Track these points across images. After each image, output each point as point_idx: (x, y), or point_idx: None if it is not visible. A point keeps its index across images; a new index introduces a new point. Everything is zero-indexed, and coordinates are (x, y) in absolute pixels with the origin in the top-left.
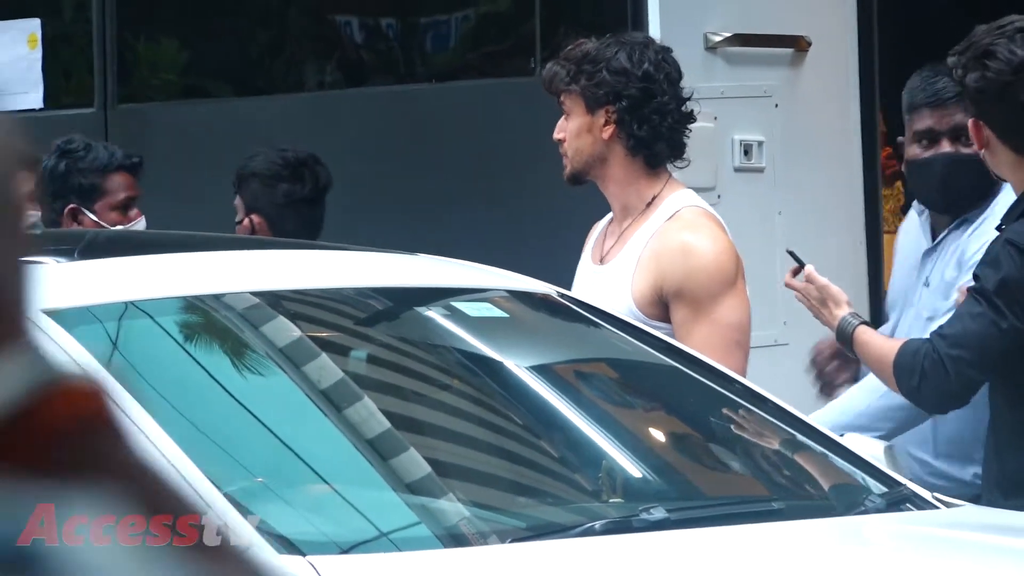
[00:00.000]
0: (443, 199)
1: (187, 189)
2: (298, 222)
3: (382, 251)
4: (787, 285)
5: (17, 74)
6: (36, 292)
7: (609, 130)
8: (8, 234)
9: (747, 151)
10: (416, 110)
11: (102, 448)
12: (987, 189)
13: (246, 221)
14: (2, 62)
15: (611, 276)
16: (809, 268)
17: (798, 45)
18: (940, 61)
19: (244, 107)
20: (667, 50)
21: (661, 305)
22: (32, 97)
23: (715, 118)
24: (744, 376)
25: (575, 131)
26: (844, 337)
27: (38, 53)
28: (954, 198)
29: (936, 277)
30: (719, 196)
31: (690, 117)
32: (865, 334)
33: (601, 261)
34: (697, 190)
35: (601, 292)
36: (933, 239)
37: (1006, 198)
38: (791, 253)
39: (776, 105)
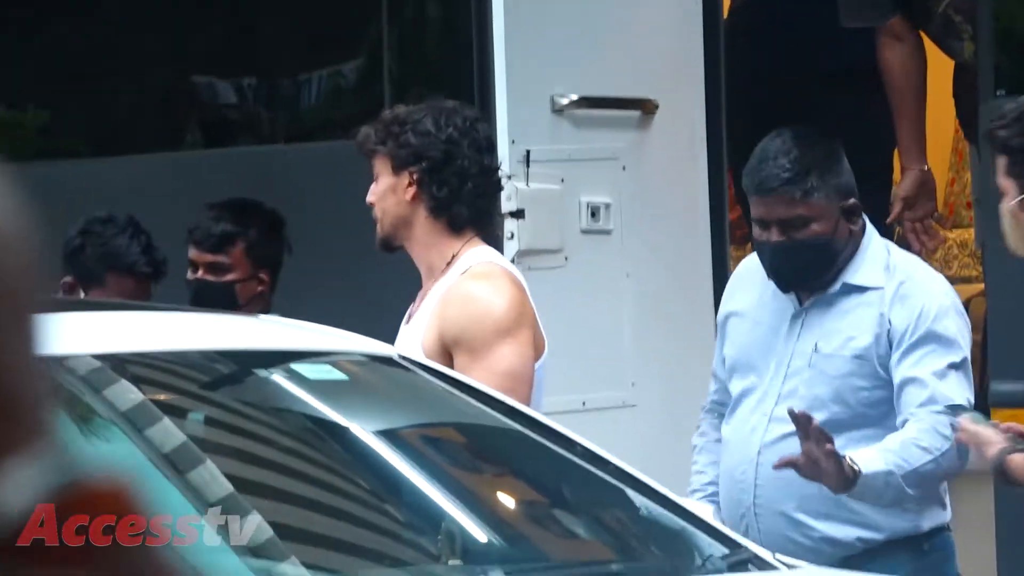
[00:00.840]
0: (296, 258)
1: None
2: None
3: (224, 313)
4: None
5: None
6: (53, 389)
7: (411, 191)
8: (19, 330)
9: (594, 213)
10: (270, 170)
11: (125, 551)
12: (827, 265)
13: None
14: None
15: (412, 334)
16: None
17: (645, 108)
18: (784, 126)
19: (101, 167)
20: (478, 118)
21: (446, 355)
22: None
23: (562, 180)
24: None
25: (381, 192)
26: (1000, 466)
27: None
28: (792, 280)
29: (827, 343)
30: (566, 258)
31: (497, 185)
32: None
33: (408, 320)
34: (543, 252)
35: (406, 350)
36: (800, 303)
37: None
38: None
39: (623, 167)
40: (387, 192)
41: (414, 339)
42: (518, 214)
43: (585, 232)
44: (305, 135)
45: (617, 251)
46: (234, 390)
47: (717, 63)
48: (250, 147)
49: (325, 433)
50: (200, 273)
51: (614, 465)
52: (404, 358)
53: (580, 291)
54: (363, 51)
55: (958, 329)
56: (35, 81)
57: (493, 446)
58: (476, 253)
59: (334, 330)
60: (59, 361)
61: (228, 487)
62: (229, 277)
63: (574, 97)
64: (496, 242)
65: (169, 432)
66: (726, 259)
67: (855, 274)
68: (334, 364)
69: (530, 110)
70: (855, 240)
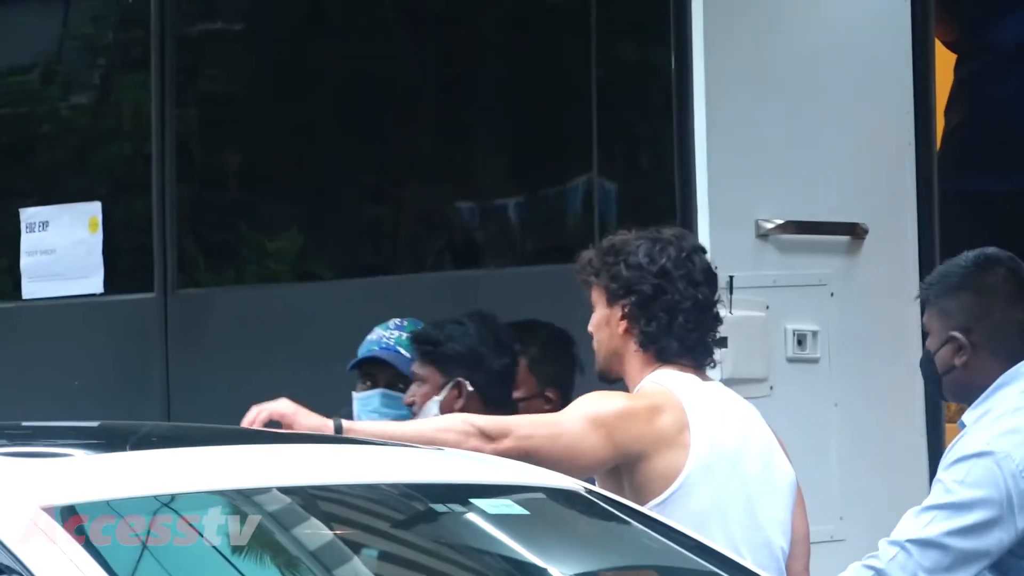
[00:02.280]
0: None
1: (245, 374)
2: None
3: (408, 446)
4: None
5: (77, 258)
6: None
7: (623, 325)
8: None
9: (801, 341)
10: (472, 296)
11: None
12: (932, 382)
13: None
14: (62, 245)
15: None
16: None
17: (854, 232)
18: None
19: (302, 292)
20: (696, 249)
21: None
22: (92, 281)
23: (767, 307)
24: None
25: (596, 323)
26: None
27: (98, 237)
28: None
29: None
30: (771, 387)
31: (715, 319)
32: None
33: None
34: (748, 381)
35: None
36: None
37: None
38: None
39: (831, 294)
40: (601, 323)
41: None
42: (721, 342)
43: (791, 360)
44: (511, 259)
45: (824, 380)
46: (416, 524)
47: (930, 186)
48: (464, 270)
49: (508, 569)
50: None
51: None
52: (591, 492)
53: (786, 421)
54: (571, 178)
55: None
56: (237, 207)
57: None
58: (654, 376)
59: (519, 464)
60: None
61: None
62: (515, 394)
63: (780, 221)
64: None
65: (345, 566)
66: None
67: (967, 412)
68: (519, 499)
69: (734, 235)
70: (964, 374)
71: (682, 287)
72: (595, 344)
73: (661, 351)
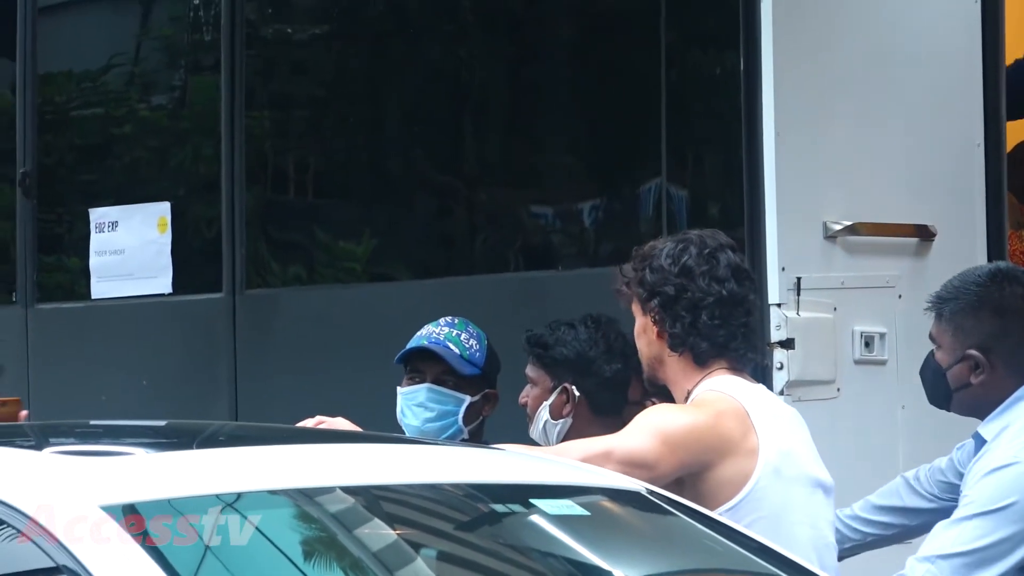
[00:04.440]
0: None
1: (312, 375)
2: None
3: (464, 445)
4: None
5: (147, 258)
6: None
7: (655, 330)
8: None
9: (868, 343)
10: (543, 297)
11: None
12: (941, 396)
13: None
14: (132, 246)
15: None
16: None
17: (923, 234)
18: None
19: (372, 292)
20: (723, 246)
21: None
22: (161, 281)
23: (834, 308)
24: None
25: (636, 333)
26: None
27: (167, 237)
28: (927, 393)
29: None
30: (839, 389)
31: (746, 313)
32: None
33: None
34: (815, 383)
35: None
36: None
37: None
38: None
39: (899, 296)
40: (640, 332)
41: None
42: (788, 343)
43: (858, 362)
44: (580, 261)
45: (892, 382)
46: (477, 525)
47: (999, 188)
48: (534, 272)
49: (570, 571)
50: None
51: None
52: (654, 493)
53: (853, 423)
54: (641, 182)
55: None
56: (303, 208)
57: None
58: (709, 383)
59: (580, 464)
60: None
61: None
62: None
63: (847, 223)
64: (764, 371)
65: (413, 568)
66: None
67: (982, 425)
68: (581, 500)
69: (801, 236)
70: (980, 391)
71: (704, 284)
72: (640, 354)
73: (696, 354)
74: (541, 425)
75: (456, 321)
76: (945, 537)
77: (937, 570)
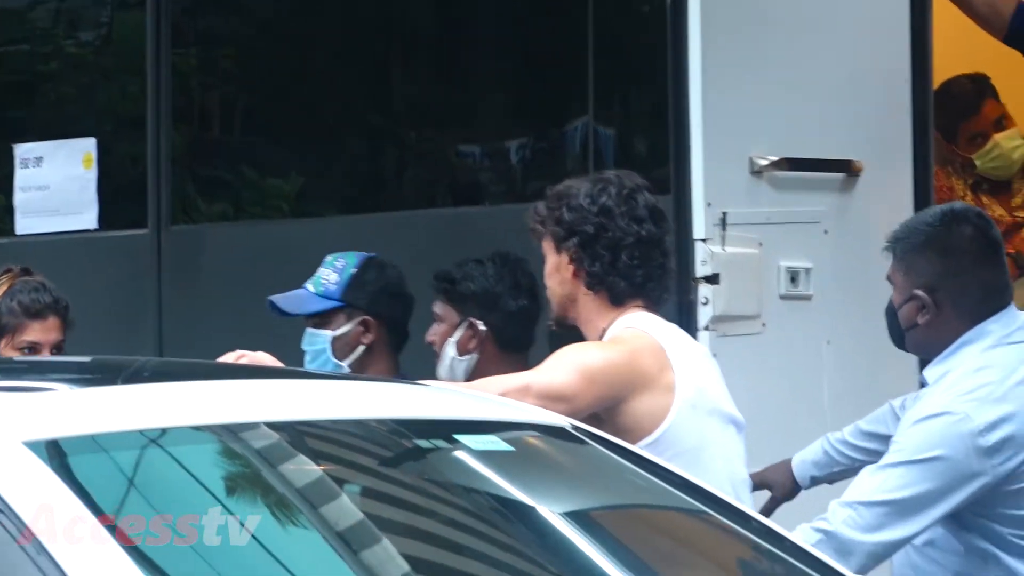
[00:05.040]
0: None
1: (240, 310)
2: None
3: (388, 380)
4: None
5: (72, 194)
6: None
7: (571, 269)
8: None
9: (794, 278)
10: (470, 232)
11: None
12: (896, 335)
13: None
14: (57, 181)
15: None
16: None
17: (850, 169)
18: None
19: (298, 228)
20: (639, 187)
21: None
22: (86, 217)
23: (760, 244)
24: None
25: (548, 272)
26: None
27: (93, 173)
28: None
29: None
30: (764, 324)
31: (663, 254)
32: None
33: None
34: (740, 318)
35: None
36: None
37: None
38: None
39: (825, 231)
40: (552, 271)
41: None
42: (713, 279)
43: (784, 297)
44: (507, 198)
45: (817, 317)
46: (402, 461)
47: (926, 122)
48: (461, 207)
49: (495, 507)
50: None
51: (789, 541)
52: (578, 429)
53: (778, 358)
54: (568, 120)
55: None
56: (231, 143)
57: (667, 520)
58: (624, 320)
59: (506, 400)
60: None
61: (403, 566)
62: None
63: (774, 158)
64: (689, 306)
65: (338, 504)
66: None
67: (927, 368)
68: (505, 435)
69: (727, 171)
70: (927, 332)
71: (624, 224)
72: (548, 293)
73: (613, 293)
74: (448, 362)
75: (328, 258)
76: (869, 483)
77: (858, 516)
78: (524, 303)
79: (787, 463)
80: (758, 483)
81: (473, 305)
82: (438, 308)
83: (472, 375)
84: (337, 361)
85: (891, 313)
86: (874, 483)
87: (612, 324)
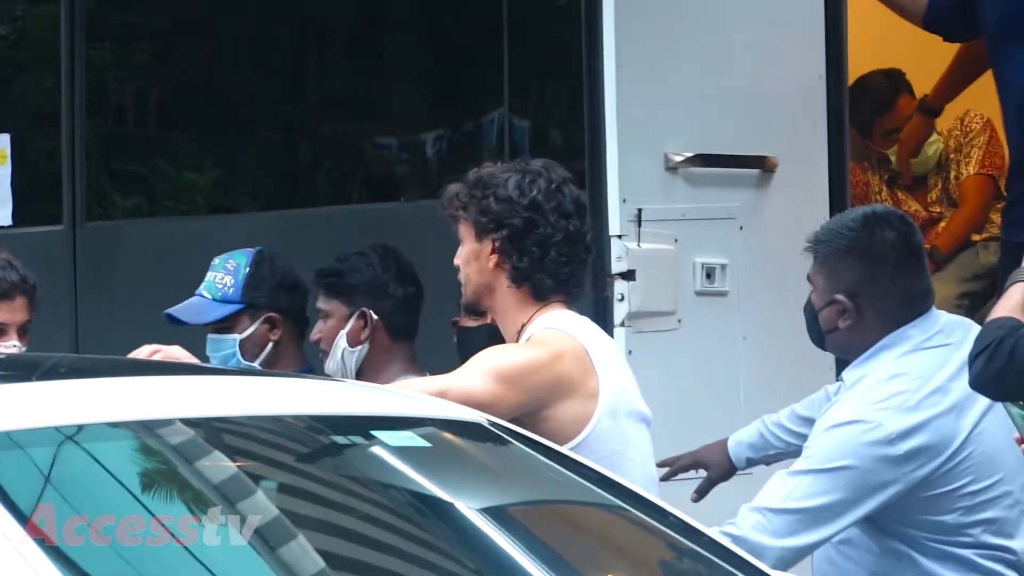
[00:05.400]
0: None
1: (155, 306)
2: None
3: (304, 377)
4: None
5: None
6: None
7: (493, 259)
8: None
9: (709, 274)
10: (386, 228)
11: None
12: (816, 337)
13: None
14: None
15: None
16: None
17: (765, 165)
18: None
19: (215, 224)
20: (566, 180)
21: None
22: (1, 213)
23: (675, 240)
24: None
25: (465, 258)
26: None
27: (7, 169)
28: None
29: None
30: (679, 320)
31: (586, 250)
32: None
33: None
34: (656, 314)
35: None
36: None
37: None
38: None
39: (740, 227)
40: (470, 258)
41: None
42: (629, 275)
43: (700, 294)
44: (423, 193)
45: (733, 313)
46: (318, 456)
47: (841, 117)
48: (378, 204)
49: (411, 503)
50: (490, 318)
51: (707, 537)
52: (495, 424)
53: (694, 355)
54: (483, 114)
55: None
56: (146, 140)
57: (584, 516)
58: (546, 319)
59: (422, 396)
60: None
61: (319, 562)
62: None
63: (689, 154)
64: (605, 303)
65: (253, 500)
66: None
67: (847, 369)
68: (421, 431)
69: (642, 167)
70: (847, 336)
71: (553, 220)
72: (462, 278)
73: (536, 288)
74: (339, 355)
75: (217, 261)
76: (780, 489)
77: (767, 522)
78: (411, 290)
79: (723, 443)
80: (693, 463)
81: (362, 296)
82: (323, 304)
83: (363, 367)
84: (247, 363)
85: (811, 313)
86: (784, 490)
87: (532, 320)
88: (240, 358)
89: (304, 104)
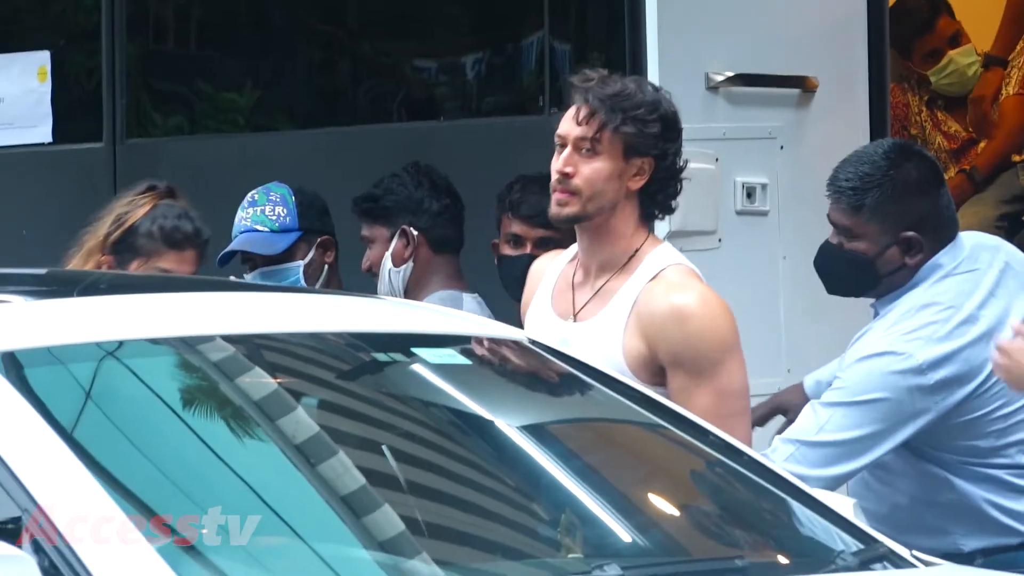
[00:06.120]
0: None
1: None
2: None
3: (347, 295)
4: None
5: (26, 107)
6: None
7: (639, 182)
8: None
9: (750, 194)
10: (425, 147)
11: None
12: (865, 285)
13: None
14: (11, 95)
15: (592, 334)
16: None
17: (805, 85)
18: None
19: (254, 142)
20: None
21: (654, 369)
22: (41, 131)
23: (716, 160)
24: (749, 443)
25: (604, 174)
26: None
27: (47, 86)
28: (833, 285)
29: None
30: (720, 240)
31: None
32: None
33: (575, 317)
34: (696, 233)
35: (581, 349)
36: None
37: None
38: None
39: (781, 147)
40: (611, 176)
41: (603, 343)
42: None
43: (740, 213)
44: (462, 112)
45: (773, 233)
46: (359, 374)
47: (882, 38)
48: (418, 122)
49: (452, 420)
50: (529, 248)
51: (748, 456)
52: (535, 342)
53: (734, 274)
54: (524, 35)
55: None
56: (187, 57)
57: (624, 434)
58: (661, 255)
59: (462, 313)
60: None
61: (359, 478)
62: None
63: (729, 74)
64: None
65: (294, 417)
66: None
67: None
68: (463, 348)
69: (683, 87)
70: (910, 273)
71: (679, 156)
72: (586, 191)
73: (650, 218)
74: (387, 276)
75: (257, 196)
76: (812, 421)
77: (800, 455)
78: (447, 202)
79: (799, 386)
80: (773, 408)
81: (399, 215)
82: (366, 231)
83: (410, 283)
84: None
85: (857, 263)
86: (818, 422)
87: (644, 249)
88: (303, 283)
89: (344, 23)
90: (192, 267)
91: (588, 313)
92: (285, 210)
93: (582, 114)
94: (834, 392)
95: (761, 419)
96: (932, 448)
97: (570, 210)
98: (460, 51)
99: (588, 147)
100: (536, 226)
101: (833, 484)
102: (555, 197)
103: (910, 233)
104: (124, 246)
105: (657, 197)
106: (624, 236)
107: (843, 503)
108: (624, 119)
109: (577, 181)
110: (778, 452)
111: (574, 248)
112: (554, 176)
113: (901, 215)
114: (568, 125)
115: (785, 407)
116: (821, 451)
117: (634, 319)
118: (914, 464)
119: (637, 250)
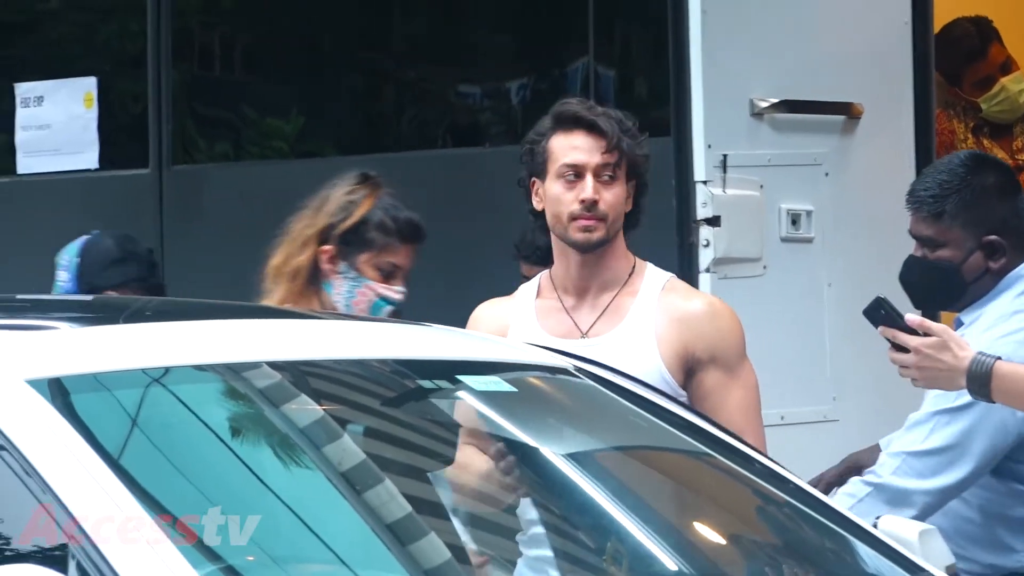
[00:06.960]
0: (495, 261)
1: (239, 251)
2: None
3: (393, 321)
4: (889, 336)
5: (72, 134)
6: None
7: (630, 202)
8: None
9: (795, 220)
10: (470, 173)
11: None
12: (953, 293)
13: None
14: (58, 121)
15: (614, 347)
16: (914, 317)
17: (850, 112)
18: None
19: (299, 169)
20: None
21: (687, 371)
22: (87, 157)
23: (760, 186)
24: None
25: (622, 198)
26: (978, 376)
27: (94, 112)
28: (921, 298)
29: None
30: (765, 267)
31: None
32: (1007, 366)
33: (584, 335)
34: (741, 260)
35: (607, 362)
36: None
37: None
38: (882, 301)
39: (826, 173)
40: (624, 199)
41: (634, 354)
42: (714, 221)
43: (785, 240)
44: (507, 138)
45: (818, 260)
46: (404, 401)
47: (927, 64)
48: (456, 149)
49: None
50: None
51: (793, 484)
52: (580, 370)
53: (779, 301)
54: (565, 57)
55: None
56: (233, 83)
57: (669, 462)
58: (654, 269)
59: (507, 340)
60: (228, 368)
61: (404, 505)
62: None
63: (774, 100)
64: (690, 248)
65: (340, 444)
66: None
67: (965, 312)
68: (509, 375)
69: (728, 113)
70: (995, 278)
71: None
72: (611, 216)
73: (629, 234)
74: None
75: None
76: (914, 433)
77: (907, 467)
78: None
79: (876, 447)
80: (848, 466)
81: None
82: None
83: None
84: None
85: (946, 272)
86: (920, 433)
87: (640, 269)
88: None
89: (389, 50)
90: (412, 263)
91: (601, 329)
92: (67, 274)
93: (606, 143)
94: (932, 401)
95: (837, 477)
96: (1015, 461)
97: (599, 235)
98: (505, 77)
99: (610, 174)
100: (533, 264)
101: (940, 498)
102: (580, 224)
103: (992, 237)
104: (355, 237)
105: (635, 216)
106: (625, 255)
107: (908, 528)
108: (634, 144)
109: (603, 207)
110: (885, 466)
111: (523, 290)
112: (575, 205)
113: (982, 219)
114: (586, 155)
115: (860, 465)
116: (926, 460)
117: (664, 325)
118: (992, 477)
119: (634, 267)
